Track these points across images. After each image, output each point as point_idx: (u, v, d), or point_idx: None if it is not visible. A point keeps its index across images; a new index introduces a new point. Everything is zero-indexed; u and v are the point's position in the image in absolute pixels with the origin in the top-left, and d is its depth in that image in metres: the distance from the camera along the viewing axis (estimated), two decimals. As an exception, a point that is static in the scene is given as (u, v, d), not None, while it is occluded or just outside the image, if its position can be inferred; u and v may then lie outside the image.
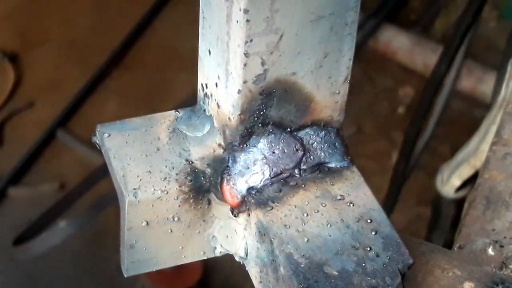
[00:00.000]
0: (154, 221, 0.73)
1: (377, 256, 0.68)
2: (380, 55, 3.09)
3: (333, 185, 0.74)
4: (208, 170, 0.74)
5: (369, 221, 0.71)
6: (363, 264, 0.68)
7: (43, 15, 3.25)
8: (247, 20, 0.65)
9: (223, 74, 0.71)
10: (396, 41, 3.08)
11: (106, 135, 0.76)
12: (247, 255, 0.75)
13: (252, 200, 0.72)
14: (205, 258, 0.79)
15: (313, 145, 0.75)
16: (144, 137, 0.76)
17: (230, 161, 0.74)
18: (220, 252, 0.78)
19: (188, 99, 2.79)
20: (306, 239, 0.69)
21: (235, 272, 2.43)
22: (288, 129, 0.74)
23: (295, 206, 0.72)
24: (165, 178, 0.73)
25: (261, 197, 0.72)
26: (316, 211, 0.72)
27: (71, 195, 2.68)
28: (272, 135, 0.73)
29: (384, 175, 2.75)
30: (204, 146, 0.75)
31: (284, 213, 0.71)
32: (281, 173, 0.74)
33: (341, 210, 0.72)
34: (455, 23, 1.72)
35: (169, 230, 0.75)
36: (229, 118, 0.72)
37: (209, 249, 0.78)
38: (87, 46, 3.14)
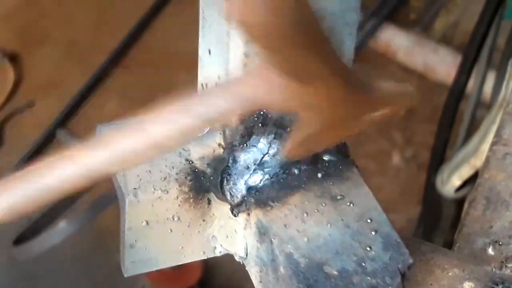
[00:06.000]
0: (154, 220, 0.74)
1: (377, 255, 0.68)
2: (380, 55, 3.09)
3: (333, 185, 0.74)
4: (208, 170, 0.74)
5: (369, 221, 0.71)
6: (363, 264, 0.68)
7: (43, 15, 3.25)
8: (247, 20, 0.65)
9: (223, 74, 0.71)
10: (396, 41, 3.08)
11: (106, 135, 0.76)
12: (247, 255, 0.75)
13: (252, 200, 0.72)
14: (205, 258, 0.79)
15: (313, 145, 0.75)
16: (144, 137, 0.76)
17: (230, 161, 0.74)
18: (220, 252, 0.78)
19: (188, 99, 2.79)
20: (306, 239, 0.69)
21: (235, 272, 2.43)
22: (288, 128, 0.74)
23: (295, 206, 0.72)
24: (165, 178, 0.73)
25: (261, 197, 0.72)
26: (316, 210, 0.72)
27: (71, 195, 2.67)
28: (272, 135, 0.73)
29: (384, 175, 2.75)
30: (204, 146, 0.75)
31: (284, 212, 0.71)
32: (281, 173, 0.74)
33: (341, 210, 0.72)
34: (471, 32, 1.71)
35: (169, 230, 0.75)
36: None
37: (209, 249, 0.78)
38: (87, 46, 3.14)
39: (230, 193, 0.74)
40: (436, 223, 1.99)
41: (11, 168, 2.75)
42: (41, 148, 2.83)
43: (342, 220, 0.71)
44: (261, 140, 0.73)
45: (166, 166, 0.74)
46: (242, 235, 0.75)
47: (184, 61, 2.89)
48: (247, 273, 0.77)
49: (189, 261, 0.78)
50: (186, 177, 0.74)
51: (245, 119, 0.72)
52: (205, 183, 0.74)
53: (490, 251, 0.81)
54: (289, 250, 0.69)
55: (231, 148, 0.74)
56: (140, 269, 0.76)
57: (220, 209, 0.75)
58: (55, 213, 2.62)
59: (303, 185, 0.74)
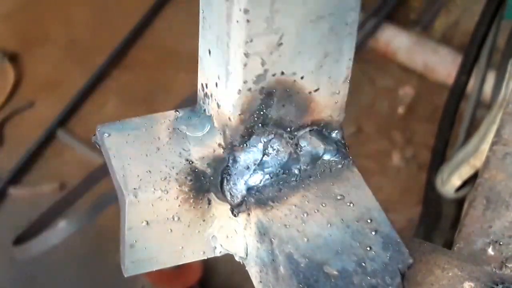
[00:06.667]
0: (154, 220, 0.74)
1: (377, 255, 0.68)
2: (380, 55, 3.09)
3: (333, 185, 0.74)
4: (208, 170, 0.74)
5: (369, 221, 0.71)
6: (363, 264, 0.68)
7: (43, 15, 3.25)
8: (247, 20, 0.65)
9: (223, 74, 0.71)
10: (396, 41, 3.08)
11: (106, 135, 0.76)
12: (247, 255, 0.75)
13: (252, 200, 0.72)
14: (205, 258, 0.79)
15: (313, 144, 0.75)
16: (144, 137, 0.76)
17: (230, 161, 0.74)
18: (220, 252, 0.78)
19: (188, 99, 2.80)
20: (306, 239, 0.69)
21: (235, 272, 2.43)
22: (288, 129, 0.74)
23: (295, 206, 0.72)
24: (165, 178, 0.73)
25: (261, 197, 0.72)
26: (316, 211, 0.72)
27: (71, 195, 2.68)
28: (272, 135, 0.73)
29: (384, 175, 2.75)
30: (204, 146, 0.75)
31: (284, 212, 0.71)
32: (281, 173, 0.74)
33: (341, 210, 0.72)
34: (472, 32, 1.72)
35: (169, 230, 0.75)
36: (229, 118, 0.72)
37: (209, 249, 0.78)
38: (87, 46, 3.15)
39: (230, 193, 0.74)
40: (436, 223, 1.99)
41: (11, 168, 2.75)
42: (41, 148, 2.83)
43: (342, 220, 0.71)
44: (261, 140, 0.73)
45: (166, 166, 0.74)
46: (242, 235, 0.75)
47: (184, 61, 2.90)
48: (247, 273, 0.77)
49: (189, 261, 0.78)
50: (186, 177, 0.74)
51: (245, 119, 0.72)
52: (205, 183, 0.74)
53: (490, 251, 0.81)
54: (289, 250, 0.69)
55: (231, 148, 0.74)
56: (140, 269, 0.77)
57: (220, 209, 0.75)
58: (55, 213, 2.62)
59: (303, 185, 0.74)
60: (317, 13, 0.67)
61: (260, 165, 0.73)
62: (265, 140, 0.73)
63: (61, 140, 2.86)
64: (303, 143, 0.75)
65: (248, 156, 0.73)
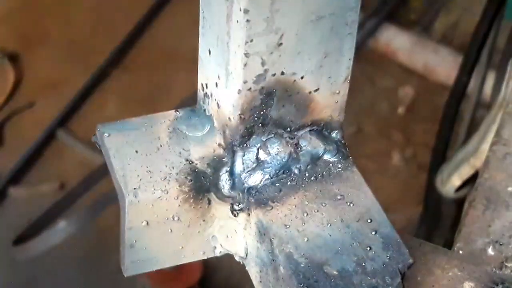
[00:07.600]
0: (154, 220, 0.74)
1: (377, 255, 0.68)
2: (380, 55, 3.09)
3: (333, 185, 0.74)
4: (208, 170, 0.74)
5: (369, 221, 0.71)
6: (363, 264, 0.68)
7: (43, 15, 3.25)
8: (247, 20, 0.65)
9: (223, 74, 0.71)
10: (396, 41, 3.08)
11: (106, 135, 0.76)
12: (247, 255, 0.75)
13: (252, 200, 0.72)
14: (205, 258, 0.79)
15: (313, 144, 0.75)
16: (144, 137, 0.76)
17: (230, 161, 0.74)
18: (220, 252, 0.78)
19: (188, 99, 2.80)
20: (306, 239, 0.69)
21: (235, 272, 2.43)
22: (288, 128, 0.74)
23: (295, 206, 0.72)
24: (165, 178, 0.73)
25: (261, 197, 0.72)
26: (316, 211, 0.72)
27: (71, 195, 2.68)
28: (272, 135, 0.73)
29: (384, 175, 2.75)
30: (204, 146, 0.75)
31: (284, 212, 0.71)
32: (281, 173, 0.74)
33: (341, 210, 0.72)
34: (472, 32, 1.73)
35: (169, 230, 0.75)
36: (229, 118, 0.72)
37: (209, 249, 0.78)
38: (87, 46, 3.15)
39: (230, 193, 0.74)
40: (436, 223, 1.99)
41: (11, 168, 2.75)
42: (41, 148, 2.83)
43: (342, 220, 0.71)
44: (261, 140, 0.73)
45: (166, 166, 0.74)
46: (242, 235, 0.75)
47: (184, 61, 2.90)
48: (247, 273, 0.77)
49: (189, 261, 0.78)
50: (186, 177, 0.74)
51: (245, 119, 0.72)
52: (205, 183, 0.74)
53: (490, 251, 0.81)
54: (289, 250, 0.69)
55: (231, 148, 0.74)
56: (140, 269, 0.77)
57: (220, 209, 0.75)
58: (55, 213, 2.62)
59: (303, 185, 0.74)
60: (317, 13, 0.67)
61: (260, 165, 0.74)
62: (265, 140, 0.73)
63: (61, 140, 2.86)
64: (303, 143, 0.75)
65: (248, 156, 0.73)
